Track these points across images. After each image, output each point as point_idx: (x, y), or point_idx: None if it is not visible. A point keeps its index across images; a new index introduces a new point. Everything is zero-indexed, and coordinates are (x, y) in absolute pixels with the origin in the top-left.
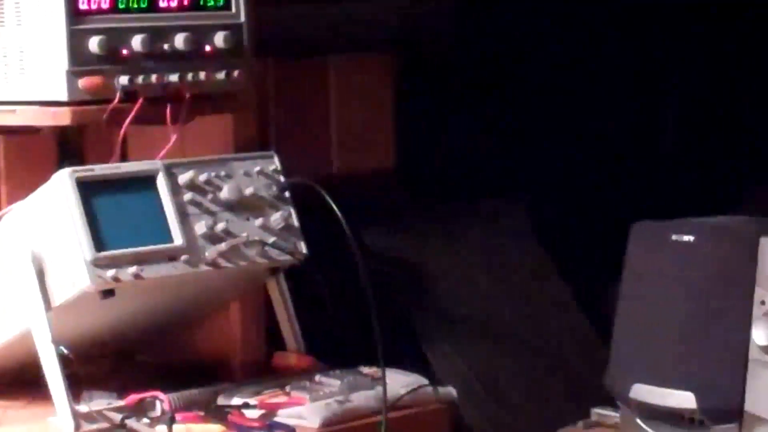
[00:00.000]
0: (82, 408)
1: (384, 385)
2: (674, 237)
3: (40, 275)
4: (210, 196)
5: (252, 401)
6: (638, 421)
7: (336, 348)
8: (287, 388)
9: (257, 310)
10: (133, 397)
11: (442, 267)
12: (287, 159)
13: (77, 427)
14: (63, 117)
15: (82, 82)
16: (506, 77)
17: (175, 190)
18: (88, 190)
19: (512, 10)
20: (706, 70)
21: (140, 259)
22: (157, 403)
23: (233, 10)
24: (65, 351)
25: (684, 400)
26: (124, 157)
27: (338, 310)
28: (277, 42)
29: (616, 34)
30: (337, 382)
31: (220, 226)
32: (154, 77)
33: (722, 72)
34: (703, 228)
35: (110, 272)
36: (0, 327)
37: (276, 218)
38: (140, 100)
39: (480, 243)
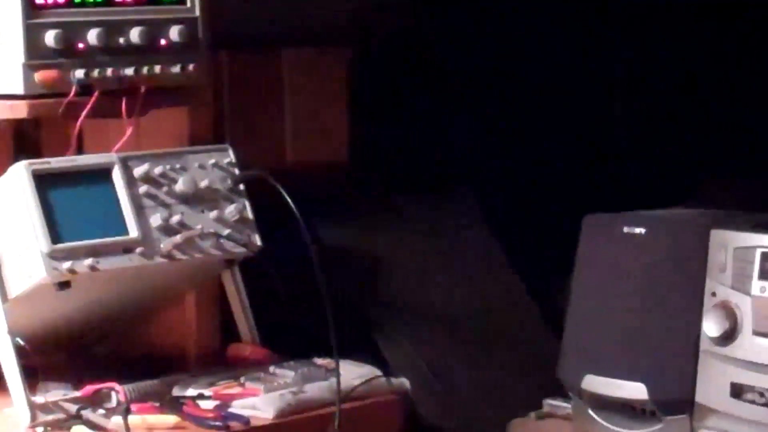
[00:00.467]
0: (38, 399)
1: (338, 376)
2: (626, 229)
3: None
4: (165, 188)
5: (207, 392)
6: (590, 411)
7: (290, 339)
8: (242, 380)
9: (212, 301)
10: (89, 389)
11: (395, 258)
12: (242, 152)
13: (33, 417)
14: (19, 110)
15: (39, 76)
16: (458, 69)
17: (131, 182)
18: (44, 182)
19: (464, 1)
20: (657, 62)
21: (96, 251)
22: (113, 394)
23: (188, 4)
24: (21, 342)
25: (635, 391)
26: (80, 150)
27: (292, 302)
28: (232, 36)
29: (568, 26)
30: (291, 374)
31: (175, 218)
32: (109, 71)
33: (673, 64)
34: (654, 220)
35: (66, 264)
36: None
37: (230, 210)
38: (96, 94)
39: (432, 235)
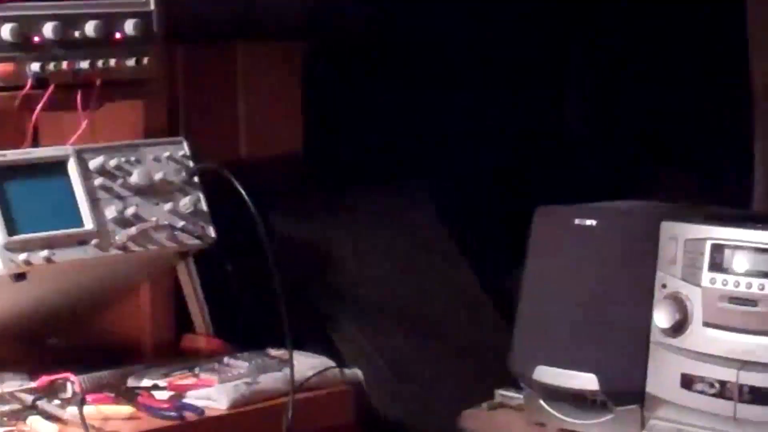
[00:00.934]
0: None
1: (291, 367)
2: (577, 221)
3: None
4: (120, 181)
5: (161, 383)
6: (541, 402)
7: (244, 331)
8: (196, 370)
9: (166, 293)
10: (45, 379)
11: (349, 251)
12: (196, 144)
13: None
14: None
15: None
16: (413, 63)
17: (86, 175)
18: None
19: None
20: (610, 56)
21: (51, 244)
22: (68, 384)
23: None
24: None
25: (586, 381)
26: (35, 143)
27: (246, 294)
28: (187, 29)
29: (522, 19)
30: (245, 365)
31: (130, 210)
32: (65, 64)
33: (626, 57)
34: (605, 212)
35: (22, 256)
36: None
37: (185, 203)
38: (51, 87)
39: (385, 226)
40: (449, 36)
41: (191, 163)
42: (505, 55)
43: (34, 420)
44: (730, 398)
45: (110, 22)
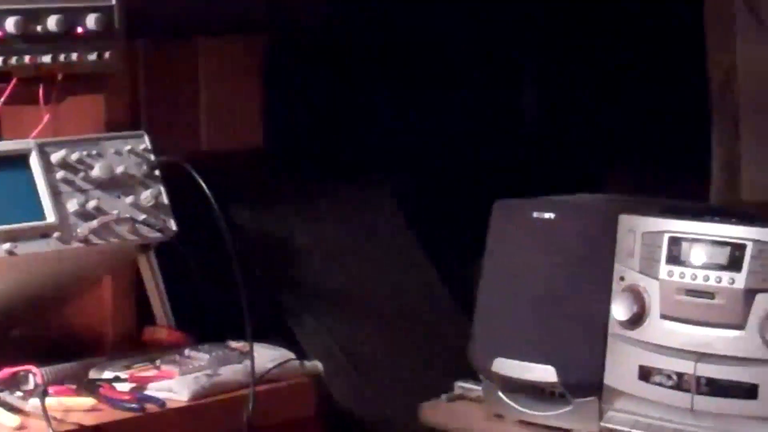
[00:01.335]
0: None
1: (252, 359)
2: (535, 214)
3: None
4: (82, 174)
5: (123, 375)
6: (500, 394)
7: (205, 323)
8: (157, 362)
9: (128, 285)
10: (7, 371)
11: (309, 243)
12: (157, 138)
13: None
14: None
15: None
16: (373, 57)
17: (48, 168)
18: None
19: None
20: (567, 51)
21: (13, 236)
22: (30, 376)
23: None
24: None
25: (545, 373)
26: None
27: (207, 286)
28: (148, 24)
29: (481, 15)
30: (206, 356)
31: (92, 203)
32: (27, 58)
33: (583, 52)
34: (563, 206)
35: None
36: None
37: (146, 196)
38: (13, 81)
39: (346, 220)
40: (411, 32)
41: (152, 157)
42: (465, 51)
43: None
44: (687, 390)
45: (72, 16)
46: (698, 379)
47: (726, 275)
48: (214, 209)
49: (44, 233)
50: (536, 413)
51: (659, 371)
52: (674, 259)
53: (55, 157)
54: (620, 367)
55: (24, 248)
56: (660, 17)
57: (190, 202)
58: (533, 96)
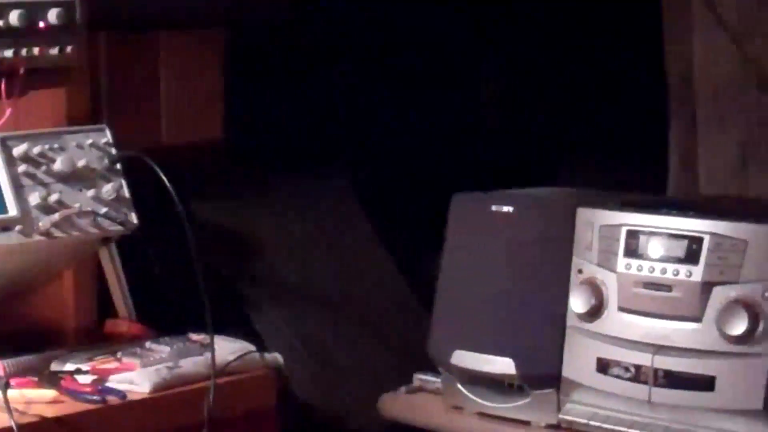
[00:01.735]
0: None
1: (212, 351)
2: (494, 207)
3: None
4: (43, 167)
5: (84, 367)
6: (459, 386)
7: (166, 315)
8: (118, 355)
9: (90, 278)
10: None
11: (270, 236)
12: (118, 132)
13: None
14: None
15: None
16: (332, 50)
17: (10, 161)
18: None
19: None
20: (525, 44)
21: None
22: None
23: None
24: None
25: (503, 366)
26: None
27: (168, 279)
28: (109, 18)
29: (440, 10)
30: (167, 349)
31: (54, 197)
32: None
33: (540, 45)
34: (522, 199)
35: None
36: None
37: (107, 189)
38: None
39: (306, 213)
40: (369, 23)
41: (114, 150)
42: (423, 44)
43: None
44: (644, 382)
45: (34, 11)
46: (656, 371)
47: (683, 268)
48: (175, 202)
49: (6, 227)
50: (495, 405)
51: (617, 363)
52: (632, 252)
53: (17, 150)
54: (578, 360)
55: None
56: (618, 11)
57: (151, 196)
58: (492, 89)
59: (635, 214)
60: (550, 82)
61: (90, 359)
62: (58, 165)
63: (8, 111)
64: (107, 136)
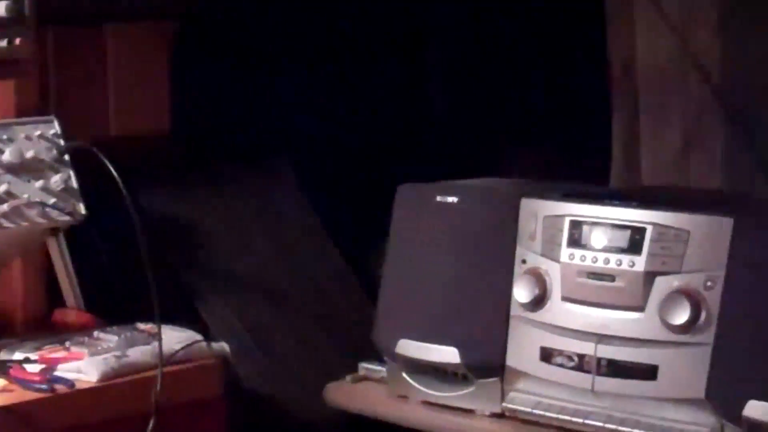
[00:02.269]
0: None
1: (159, 340)
2: (439, 198)
3: None
4: None
5: (33, 356)
6: (404, 375)
7: (114, 305)
8: (67, 344)
9: (38, 268)
10: None
11: (217, 227)
12: (67, 124)
13: None
14: None
15: None
16: (277, 42)
17: None
18: None
19: None
20: (472, 35)
21: None
22: None
23: None
24: None
25: (448, 355)
26: None
27: (116, 269)
28: (58, 11)
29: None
30: (115, 338)
31: (2, 188)
32: None
33: (487, 37)
34: (466, 190)
35: None
36: None
37: (56, 180)
38: None
39: (252, 203)
40: (314, 14)
41: (62, 142)
42: (369, 35)
43: None
44: (588, 371)
45: None
46: (599, 360)
47: (626, 258)
48: (122, 193)
49: None
50: (439, 394)
51: (560, 353)
52: (575, 242)
53: None
54: (522, 349)
55: None
56: (562, 1)
57: (99, 187)
58: (438, 80)
59: (578, 204)
60: (494, 72)
61: (38, 348)
62: (6, 156)
63: None
64: (56, 128)
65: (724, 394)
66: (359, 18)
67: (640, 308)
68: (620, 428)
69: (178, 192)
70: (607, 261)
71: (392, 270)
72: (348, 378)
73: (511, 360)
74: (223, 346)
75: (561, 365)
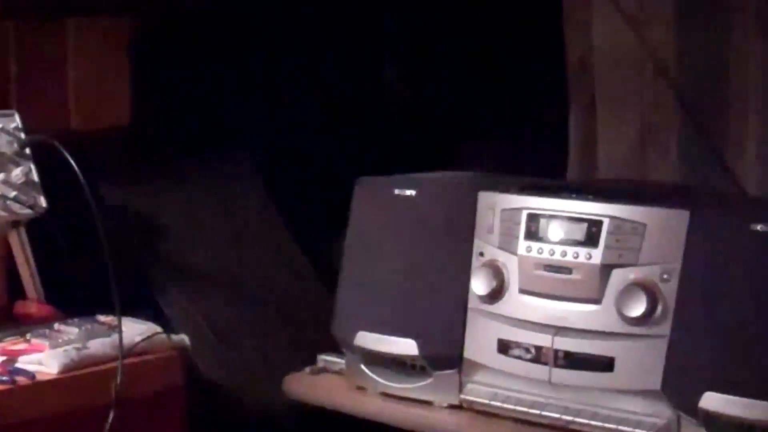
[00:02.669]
0: None
1: (120, 332)
2: (397, 191)
3: None
4: None
5: None
6: (362, 367)
7: (74, 297)
8: (28, 336)
9: None
10: None
11: (176, 219)
12: (27, 117)
13: None
14: None
15: None
16: (236, 35)
17: None
18: None
19: None
20: (430, 26)
21: None
22: None
23: None
24: None
25: (406, 347)
26: None
27: (76, 262)
28: (18, 5)
29: None
30: (75, 330)
31: None
32: None
33: (445, 28)
34: (424, 183)
35: None
36: None
37: (17, 173)
38: None
39: (212, 196)
40: (271, 8)
41: (23, 135)
42: (326, 29)
43: None
44: (545, 363)
45: None
46: (556, 352)
47: (583, 251)
48: (82, 186)
49: None
50: (397, 386)
51: (518, 345)
52: (532, 235)
53: None
54: (480, 341)
55: None
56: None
57: (60, 180)
58: (395, 72)
59: (536, 197)
60: (451, 65)
61: None
62: None
63: None
64: (16, 121)
65: (680, 385)
66: (318, 10)
67: (597, 300)
68: (577, 419)
69: (138, 185)
70: (564, 254)
71: (350, 263)
72: (307, 370)
73: (469, 352)
74: (183, 338)
75: (518, 357)
